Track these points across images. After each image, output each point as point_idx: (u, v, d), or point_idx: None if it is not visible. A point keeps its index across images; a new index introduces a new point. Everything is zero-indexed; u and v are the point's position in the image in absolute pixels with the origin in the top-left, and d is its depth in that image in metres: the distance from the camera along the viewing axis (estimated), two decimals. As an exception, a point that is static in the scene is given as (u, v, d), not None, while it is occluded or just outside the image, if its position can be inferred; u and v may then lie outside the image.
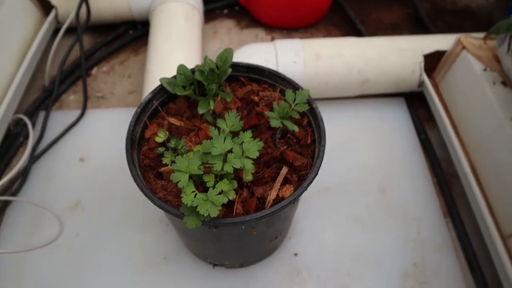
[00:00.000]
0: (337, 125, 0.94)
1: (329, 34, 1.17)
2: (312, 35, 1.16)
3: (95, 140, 0.93)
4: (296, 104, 0.57)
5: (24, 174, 0.86)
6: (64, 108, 1.01)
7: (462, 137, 0.85)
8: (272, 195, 0.55)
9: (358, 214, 0.82)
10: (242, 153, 0.50)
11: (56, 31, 1.08)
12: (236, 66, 0.66)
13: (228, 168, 0.48)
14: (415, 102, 1.00)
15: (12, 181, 0.85)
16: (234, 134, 0.55)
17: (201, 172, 0.49)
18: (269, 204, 0.54)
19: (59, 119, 0.97)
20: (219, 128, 0.53)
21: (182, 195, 0.49)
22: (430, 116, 0.96)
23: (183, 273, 0.74)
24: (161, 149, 0.60)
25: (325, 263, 0.76)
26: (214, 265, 0.75)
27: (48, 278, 0.74)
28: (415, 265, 0.76)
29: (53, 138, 0.92)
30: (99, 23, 1.14)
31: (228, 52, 0.62)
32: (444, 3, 1.28)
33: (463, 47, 0.86)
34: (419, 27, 1.19)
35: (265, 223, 0.57)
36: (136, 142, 0.60)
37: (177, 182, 0.48)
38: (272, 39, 1.15)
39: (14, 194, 0.84)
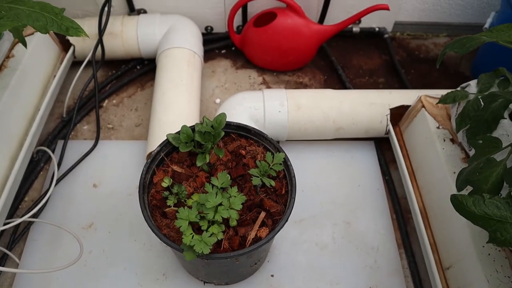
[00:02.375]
0: (314, 163, 1.10)
1: (314, 77, 1.33)
2: (299, 78, 1.32)
3: (106, 168, 1.08)
4: (274, 164, 0.73)
5: (46, 197, 1.01)
6: (79, 137, 1.16)
7: (418, 181, 1.01)
8: (252, 235, 0.71)
9: (325, 242, 0.98)
10: (229, 205, 0.66)
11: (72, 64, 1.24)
12: (229, 125, 0.82)
13: (218, 218, 0.64)
14: (383, 145, 1.16)
15: (36, 203, 1.00)
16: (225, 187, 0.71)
17: (197, 220, 0.65)
18: (249, 243, 0.70)
19: (75, 147, 1.12)
20: (213, 184, 0.69)
21: (183, 236, 0.64)
22: (394, 159, 1.12)
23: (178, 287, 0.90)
24: (166, 193, 0.75)
25: (296, 283, 0.92)
26: (205, 282, 0.91)
27: (66, 288, 0.90)
28: (370, 289, 0.92)
29: (70, 165, 1.08)
30: (112, 59, 1.30)
31: (222, 117, 0.78)
32: (418, 51, 1.44)
33: (423, 105, 1.02)
34: (393, 74, 1.36)
35: (245, 256, 0.73)
36: (147, 186, 0.76)
37: (180, 226, 0.64)
38: (263, 80, 1.31)
39: (36, 215, 0.99)
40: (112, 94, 1.27)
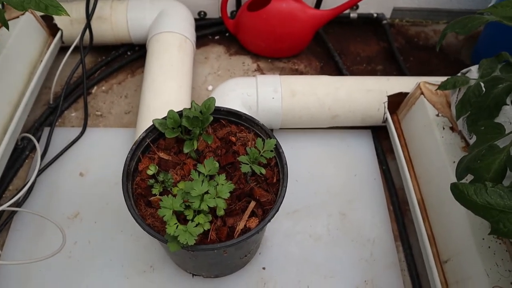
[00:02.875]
0: (309, 152, 1.07)
1: (309, 64, 1.29)
2: (294, 65, 1.28)
3: (93, 156, 1.05)
4: (264, 151, 0.69)
5: (30, 186, 0.97)
6: (67, 124, 1.12)
7: (416, 171, 0.98)
8: (241, 225, 0.67)
9: (320, 234, 0.94)
10: (216, 194, 0.63)
11: (60, 50, 1.19)
12: (219, 110, 0.78)
13: (204, 207, 0.61)
14: (381, 134, 1.12)
15: (18, 192, 0.97)
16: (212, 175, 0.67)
17: (182, 209, 0.61)
18: (238, 233, 0.66)
19: (61, 135, 1.09)
20: (199, 172, 0.65)
21: (166, 226, 0.61)
22: (392, 148, 1.08)
23: (166, 280, 0.87)
24: (151, 181, 0.72)
25: (289, 276, 0.89)
26: (193, 275, 0.87)
27: (50, 281, 0.86)
28: (365, 282, 0.89)
29: (56, 153, 1.04)
30: (101, 44, 1.25)
31: (211, 101, 0.74)
32: (417, 39, 1.40)
33: (422, 92, 0.99)
34: (392, 61, 1.32)
35: (234, 247, 0.69)
36: (131, 174, 0.72)
37: (163, 216, 0.61)
38: (258, 67, 1.27)
39: (20, 205, 0.95)
40: (101, 80, 1.23)
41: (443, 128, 0.92)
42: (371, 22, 1.42)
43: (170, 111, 0.73)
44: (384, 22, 1.38)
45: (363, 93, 1.03)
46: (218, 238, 0.66)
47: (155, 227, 0.67)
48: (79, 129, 1.10)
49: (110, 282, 0.86)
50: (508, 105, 0.76)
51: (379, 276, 0.90)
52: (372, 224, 0.97)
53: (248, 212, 0.69)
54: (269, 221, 0.65)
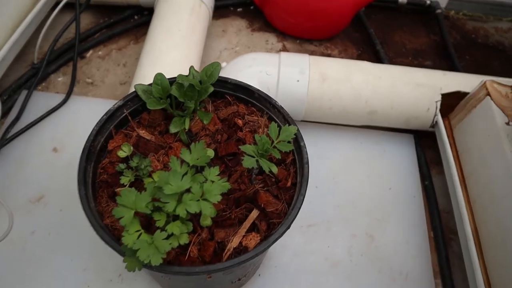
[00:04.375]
0: (334, 154, 0.86)
1: (345, 51, 1.08)
2: (326, 50, 1.08)
3: (73, 130, 0.86)
4: (279, 142, 0.49)
5: (-11, 157, 0.80)
6: (50, 90, 0.94)
7: (470, 192, 0.76)
8: (234, 242, 0.48)
9: (339, 258, 0.74)
10: (203, 194, 0.43)
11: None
12: (224, 82, 0.59)
13: (181, 212, 0.41)
14: (425, 141, 0.91)
15: (-25, 163, 0.79)
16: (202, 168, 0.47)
17: (149, 211, 0.42)
18: (228, 253, 0.47)
19: (41, 101, 0.91)
20: (182, 159, 0.45)
21: (123, 233, 0.42)
22: (439, 160, 0.87)
23: (136, 295, 0.68)
24: (121, 166, 0.52)
25: (294, 309, 0.69)
26: (172, 292, 0.68)
27: (-9, 278, 0.68)
28: (392, 328, 0.68)
29: (29, 122, 0.86)
30: (105, 3, 1.07)
31: (214, 67, 0.54)
32: (475, 35, 1.18)
33: (488, 93, 0.77)
34: (443, 58, 1.10)
35: (221, 272, 0.49)
36: (96, 153, 0.53)
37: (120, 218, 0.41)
38: (283, 47, 1.07)
39: (-25, 177, 0.78)
40: (99, 44, 1.04)
41: (515, 141, 0.71)
42: (422, 11, 1.20)
43: (158, 74, 0.54)
44: (438, 11, 1.16)
45: (410, 87, 0.82)
46: (200, 257, 0.47)
47: (114, 230, 0.48)
48: (63, 96, 0.92)
49: (66, 286, 0.68)
50: None
51: (410, 322, 0.69)
52: (407, 253, 0.76)
53: (247, 224, 0.49)
54: (274, 241, 0.45)
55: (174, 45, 0.85)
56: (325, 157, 0.86)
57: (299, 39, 1.09)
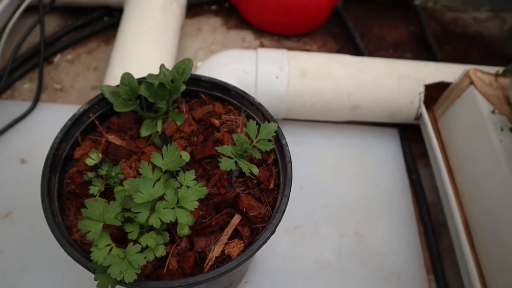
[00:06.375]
0: (319, 152, 0.83)
1: (324, 45, 1.05)
2: (305, 45, 1.05)
3: (42, 139, 0.80)
4: (259, 140, 0.45)
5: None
6: (16, 98, 0.89)
7: (458, 184, 0.74)
8: (216, 251, 0.44)
9: (328, 260, 0.71)
10: (178, 202, 0.39)
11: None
12: (198, 80, 0.55)
13: (154, 222, 0.37)
14: (410, 134, 0.88)
15: None
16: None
17: (118, 223, 0.38)
18: (210, 263, 0.43)
19: (6, 109, 0.85)
20: (154, 165, 0.42)
21: (92, 248, 0.38)
22: (425, 153, 0.85)
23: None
24: (90, 175, 0.48)
25: (284, 316, 0.65)
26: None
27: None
28: (387, 330, 0.65)
29: (-6, 132, 0.81)
30: (71, 4, 1.02)
31: (186, 63, 0.51)
32: (454, 26, 1.17)
33: (471, 82, 0.75)
34: (423, 49, 1.08)
35: (204, 284, 0.46)
36: (61, 163, 0.49)
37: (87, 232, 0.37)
38: (261, 44, 1.03)
39: None
40: (67, 47, 0.99)
41: (502, 130, 0.69)
42: (400, 3, 1.18)
43: (125, 74, 0.50)
44: (417, 2, 1.15)
45: (393, 80, 0.80)
46: (180, 269, 0.43)
47: (85, 245, 0.44)
48: (30, 104, 0.86)
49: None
50: None
51: (405, 322, 0.67)
52: (398, 251, 0.73)
53: (229, 231, 0.45)
54: (259, 248, 0.42)
55: (145, 45, 0.81)
56: (309, 155, 0.82)
57: (277, 36, 1.06)
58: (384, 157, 0.84)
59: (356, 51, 1.04)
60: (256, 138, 0.46)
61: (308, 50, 1.04)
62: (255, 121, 0.47)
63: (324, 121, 0.85)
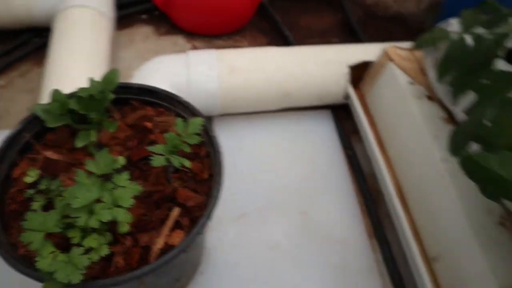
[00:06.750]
0: (257, 141, 0.87)
1: (254, 41, 1.10)
2: (236, 43, 1.09)
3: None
4: (188, 135, 0.49)
5: None
6: (-50, 129, 0.88)
7: (388, 153, 0.81)
8: (159, 243, 0.47)
9: (277, 240, 0.75)
10: (114, 201, 0.42)
11: None
12: (129, 88, 0.58)
13: (93, 223, 0.40)
14: (342, 114, 0.94)
15: None
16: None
17: (59, 230, 0.40)
18: (154, 255, 0.46)
19: None
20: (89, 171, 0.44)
21: (37, 258, 0.40)
22: (358, 129, 0.91)
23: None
24: (30, 191, 0.50)
25: (243, 299, 0.69)
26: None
27: None
28: (339, 295, 0.71)
29: None
30: (-3, 29, 1.02)
31: (112, 73, 0.53)
32: (375, 9, 1.24)
33: (390, 59, 0.82)
34: (349, 34, 1.15)
35: (153, 276, 0.49)
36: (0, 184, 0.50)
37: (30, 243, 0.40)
38: (193, 47, 1.06)
39: None
40: (-2, 73, 0.99)
41: (419, 98, 0.76)
42: (322, -7, 1.25)
43: (54, 91, 0.52)
44: (337, -10, 1.21)
45: (320, 65, 0.85)
46: (127, 265, 0.46)
47: (32, 259, 0.46)
48: (-34, 134, 0.86)
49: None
50: (501, 59, 0.60)
51: (354, 283, 0.72)
52: (341, 222, 0.79)
53: (169, 223, 0.49)
54: (198, 233, 0.45)
55: (77, 61, 0.82)
56: (248, 146, 0.87)
57: (208, 37, 1.09)
58: (320, 138, 0.90)
59: (286, 43, 1.09)
60: (186, 133, 0.49)
61: (239, 47, 1.08)
62: (183, 119, 0.50)
63: (260, 112, 0.89)
